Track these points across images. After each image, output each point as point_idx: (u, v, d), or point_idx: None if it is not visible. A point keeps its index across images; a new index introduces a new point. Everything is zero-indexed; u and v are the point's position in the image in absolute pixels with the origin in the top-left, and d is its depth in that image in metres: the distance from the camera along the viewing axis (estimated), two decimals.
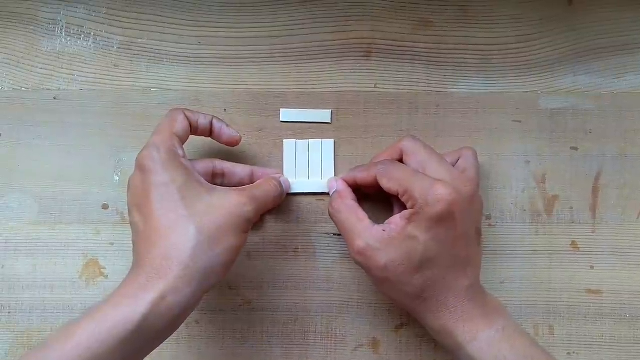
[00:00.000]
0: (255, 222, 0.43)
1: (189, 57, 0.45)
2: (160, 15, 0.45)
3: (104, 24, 0.45)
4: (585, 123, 0.44)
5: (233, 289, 0.43)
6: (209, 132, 0.40)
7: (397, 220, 0.36)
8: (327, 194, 0.43)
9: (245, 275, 0.43)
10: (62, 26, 0.45)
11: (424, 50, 0.45)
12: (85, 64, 0.45)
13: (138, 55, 0.45)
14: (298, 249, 0.44)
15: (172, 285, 0.31)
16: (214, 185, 0.36)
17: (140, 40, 0.45)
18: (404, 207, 0.37)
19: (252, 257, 0.44)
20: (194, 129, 0.39)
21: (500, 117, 0.45)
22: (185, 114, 0.38)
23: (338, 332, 0.43)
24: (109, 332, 0.30)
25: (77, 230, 0.43)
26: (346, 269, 0.44)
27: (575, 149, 0.44)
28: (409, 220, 0.35)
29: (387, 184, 0.37)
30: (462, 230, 0.35)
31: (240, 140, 0.41)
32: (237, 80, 0.45)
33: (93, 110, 0.44)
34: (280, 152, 0.44)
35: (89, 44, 0.45)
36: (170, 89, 0.45)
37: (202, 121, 0.39)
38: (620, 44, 0.45)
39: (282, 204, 0.43)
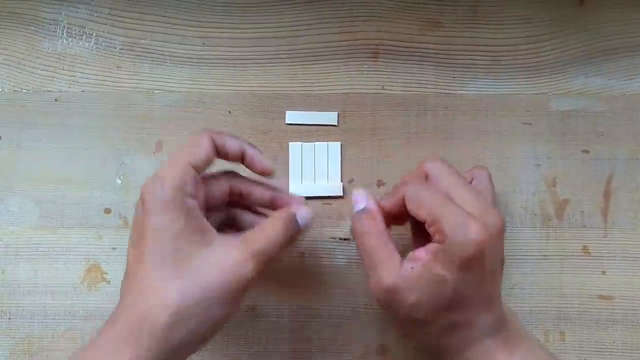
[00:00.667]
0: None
1: (193, 58, 0.44)
2: (164, 16, 0.44)
3: (106, 24, 0.44)
4: (596, 125, 0.44)
5: None
6: (241, 159, 0.35)
7: (422, 255, 0.33)
8: (334, 197, 0.43)
9: None
10: (64, 27, 0.44)
11: (432, 51, 0.44)
12: (87, 65, 0.44)
13: (141, 56, 0.44)
14: (304, 253, 0.43)
15: (140, 358, 0.30)
16: (216, 233, 0.32)
17: (143, 41, 0.44)
18: (423, 231, 0.34)
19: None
20: (223, 155, 0.35)
21: (510, 119, 0.44)
22: (212, 138, 0.33)
23: (345, 339, 0.42)
24: None
25: (79, 234, 0.43)
26: (353, 273, 0.43)
27: (587, 151, 0.44)
28: (436, 257, 0.32)
29: (415, 210, 0.34)
30: (490, 268, 0.33)
31: (273, 173, 0.36)
32: (241, 82, 0.44)
33: (95, 112, 0.44)
34: (285, 155, 0.43)
35: (90, 44, 0.44)
36: (174, 91, 0.44)
37: (233, 148, 0.34)
38: (632, 45, 0.44)
39: None
